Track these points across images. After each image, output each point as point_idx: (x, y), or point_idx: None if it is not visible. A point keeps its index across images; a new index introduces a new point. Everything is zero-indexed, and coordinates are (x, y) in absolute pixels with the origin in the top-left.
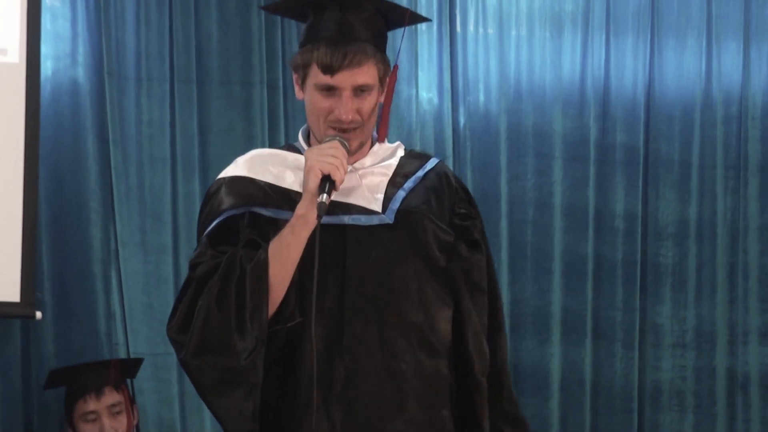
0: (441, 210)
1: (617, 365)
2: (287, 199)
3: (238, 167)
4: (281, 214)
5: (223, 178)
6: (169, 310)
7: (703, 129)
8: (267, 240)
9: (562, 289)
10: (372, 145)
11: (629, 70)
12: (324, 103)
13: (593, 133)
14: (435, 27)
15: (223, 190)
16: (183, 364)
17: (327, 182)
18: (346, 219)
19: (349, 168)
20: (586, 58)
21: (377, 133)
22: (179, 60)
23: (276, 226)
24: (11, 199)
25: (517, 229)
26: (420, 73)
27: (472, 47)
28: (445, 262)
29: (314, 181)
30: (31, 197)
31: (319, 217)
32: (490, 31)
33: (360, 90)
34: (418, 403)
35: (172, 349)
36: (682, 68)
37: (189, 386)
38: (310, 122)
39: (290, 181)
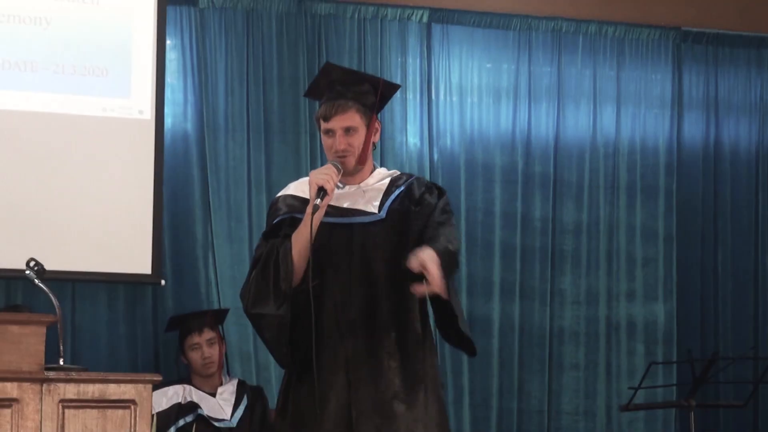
0: (413, 201)
1: (535, 316)
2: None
3: (289, 189)
4: None
5: (279, 196)
6: None
7: (590, 163)
8: None
9: (500, 267)
10: (373, 170)
11: (543, 124)
12: (328, 142)
13: (520, 166)
14: (418, 96)
15: (279, 203)
16: (246, 314)
17: (321, 191)
18: (354, 220)
19: (355, 187)
20: (515, 116)
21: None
22: (252, 117)
23: None
24: (145, 208)
25: (471, 228)
26: (408, 127)
27: (443, 109)
28: (417, 234)
29: (313, 190)
30: (158, 207)
31: (311, 214)
32: (454, 98)
33: (347, 130)
34: (394, 329)
35: None
36: (578, 123)
37: None
38: (327, 157)
39: None
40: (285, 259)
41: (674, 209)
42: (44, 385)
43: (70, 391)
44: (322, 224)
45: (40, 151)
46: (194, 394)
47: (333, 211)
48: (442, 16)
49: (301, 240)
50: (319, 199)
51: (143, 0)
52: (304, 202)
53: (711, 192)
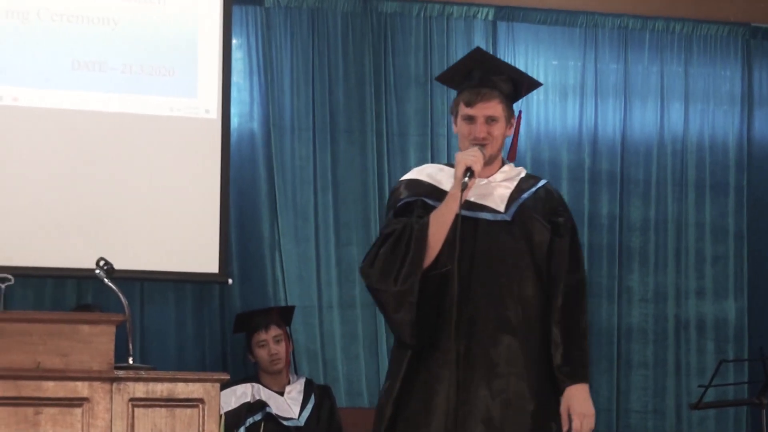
0: (544, 212)
1: (603, 313)
2: (444, 195)
3: (412, 173)
4: (440, 204)
5: (403, 180)
6: (313, 279)
7: (658, 159)
8: None
9: None
10: (502, 165)
11: (610, 121)
12: (467, 128)
13: (587, 163)
14: None
15: (402, 186)
16: (370, 289)
17: (469, 171)
18: (480, 215)
19: (485, 181)
20: (582, 114)
21: (507, 156)
22: (318, 116)
23: None
24: (212, 207)
25: None
26: None
27: None
28: (543, 247)
29: (461, 170)
30: (225, 206)
31: (462, 191)
32: None
33: (490, 119)
34: (514, 336)
35: (316, 303)
36: (645, 120)
37: (327, 326)
38: (460, 143)
39: (447, 186)
40: (421, 237)
41: (745, 206)
42: (114, 384)
43: (139, 390)
44: None
45: (108, 150)
46: (262, 393)
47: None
48: (507, 14)
49: (441, 220)
50: (467, 178)
51: (209, 0)
52: (431, 187)
53: None
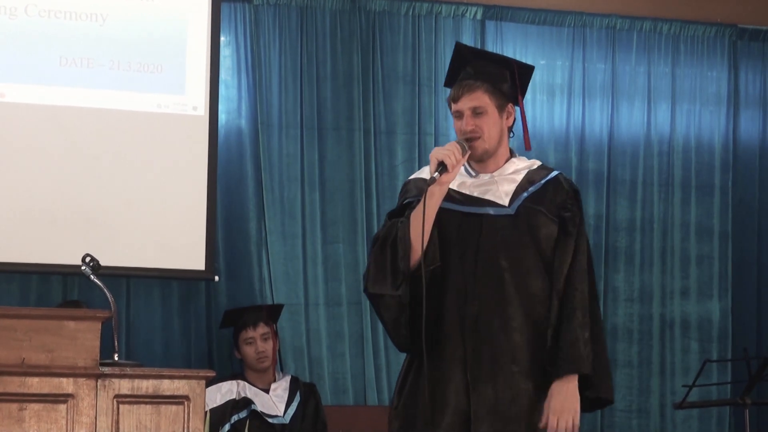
0: (551, 206)
1: None
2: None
3: (422, 172)
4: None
5: (411, 179)
6: (300, 276)
7: (645, 160)
8: None
9: None
10: (510, 158)
11: (597, 121)
12: (457, 124)
13: (574, 162)
14: None
15: (409, 185)
16: (365, 293)
17: (441, 165)
18: (484, 210)
19: (488, 176)
20: (569, 113)
21: (525, 145)
22: (306, 114)
23: None
24: (199, 204)
25: None
26: None
27: None
28: (550, 241)
29: (432, 164)
30: (212, 203)
31: (427, 185)
32: None
33: (476, 111)
34: (520, 333)
35: (302, 301)
36: (632, 120)
37: (313, 324)
38: None
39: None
40: (403, 237)
41: (730, 206)
42: (99, 381)
43: (125, 386)
44: (452, 211)
45: (96, 146)
46: (248, 390)
47: (463, 199)
48: (496, 13)
49: (419, 218)
50: (437, 173)
51: None
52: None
53: (767, 189)
